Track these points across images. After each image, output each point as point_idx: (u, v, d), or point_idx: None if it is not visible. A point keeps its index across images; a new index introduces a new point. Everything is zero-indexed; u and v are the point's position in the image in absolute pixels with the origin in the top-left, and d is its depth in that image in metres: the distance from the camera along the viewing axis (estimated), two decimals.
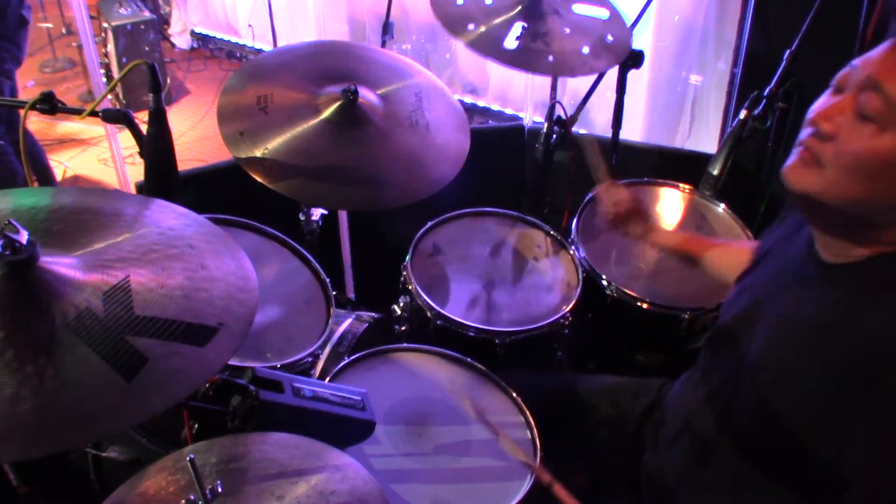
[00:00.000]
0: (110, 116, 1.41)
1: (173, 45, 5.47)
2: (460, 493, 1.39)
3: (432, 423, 1.51)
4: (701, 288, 1.84)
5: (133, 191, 2.91)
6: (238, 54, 5.30)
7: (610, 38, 1.99)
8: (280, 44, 4.18)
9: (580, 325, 1.87)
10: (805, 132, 1.10)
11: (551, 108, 2.32)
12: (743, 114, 2.23)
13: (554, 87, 2.50)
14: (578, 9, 2.06)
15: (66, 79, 4.95)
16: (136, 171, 3.47)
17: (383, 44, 2.86)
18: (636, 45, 2.08)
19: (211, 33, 5.38)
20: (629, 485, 1.53)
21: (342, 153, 1.66)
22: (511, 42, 1.92)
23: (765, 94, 2.22)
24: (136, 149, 1.39)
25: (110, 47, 4.46)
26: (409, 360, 1.65)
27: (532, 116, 3.41)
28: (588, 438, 1.64)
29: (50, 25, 5.09)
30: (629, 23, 2.13)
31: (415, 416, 1.52)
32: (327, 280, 1.83)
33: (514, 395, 1.57)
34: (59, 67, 5.03)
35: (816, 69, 2.10)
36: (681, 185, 2.22)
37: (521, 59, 1.92)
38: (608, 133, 2.35)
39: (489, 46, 1.91)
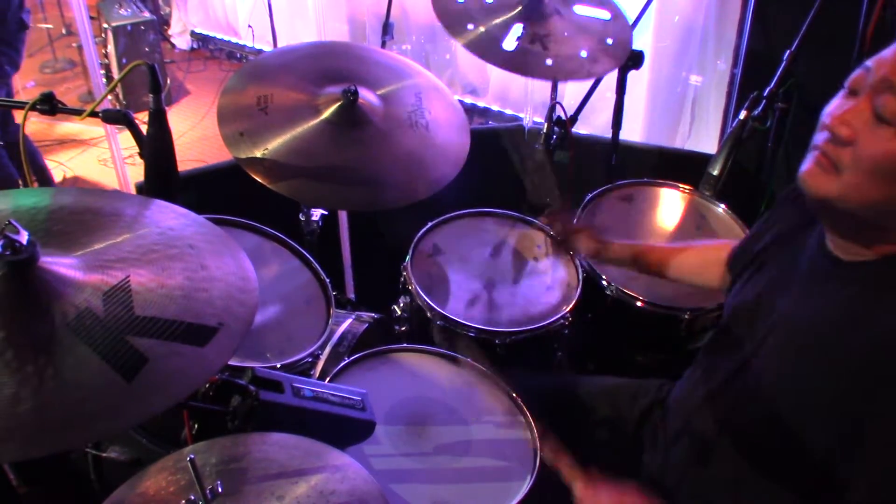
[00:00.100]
0: (110, 117, 1.42)
1: (173, 46, 5.47)
2: (460, 493, 1.39)
3: (432, 423, 1.51)
4: (701, 288, 1.84)
5: (133, 191, 2.91)
6: (238, 55, 5.30)
7: (609, 40, 1.99)
8: (280, 44, 4.19)
9: (580, 326, 1.87)
10: (820, 136, 1.09)
11: (551, 109, 2.32)
12: (743, 114, 2.23)
13: (554, 88, 2.50)
14: (580, 10, 2.05)
15: (66, 79, 4.95)
16: (136, 172, 3.47)
17: (383, 44, 2.86)
18: (636, 45, 2.08)
19: (211, 34, 5.39)
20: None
21: (342, 154, 1.66)
22: (510, 44, 1.91)
23: (765, 94, 2.22)
24: (136, 149, 1.39)
25: (110, 48, 4.47)
26: (409, 360, 1.65)
27: (532, 117, 3.41)
28: (587, 439, 1.63)
29: (50, 26, 5.09)
30: (630, 23, 2.13)
31: (415, 417, 1.52)
32: (327, 280, 1.83)
33: (514, 394, 1.57)
34: (59, 68, 5.04)
35: (816, 69, 2.12)
36: (681, 185, 2.21)
37: (519, 63, 1.92)
38: (608, 133, 2.35)
39: (487, 48, 1.91)
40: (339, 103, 1.67)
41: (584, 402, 1.65)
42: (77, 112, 1.41)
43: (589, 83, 2.32)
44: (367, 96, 1.72)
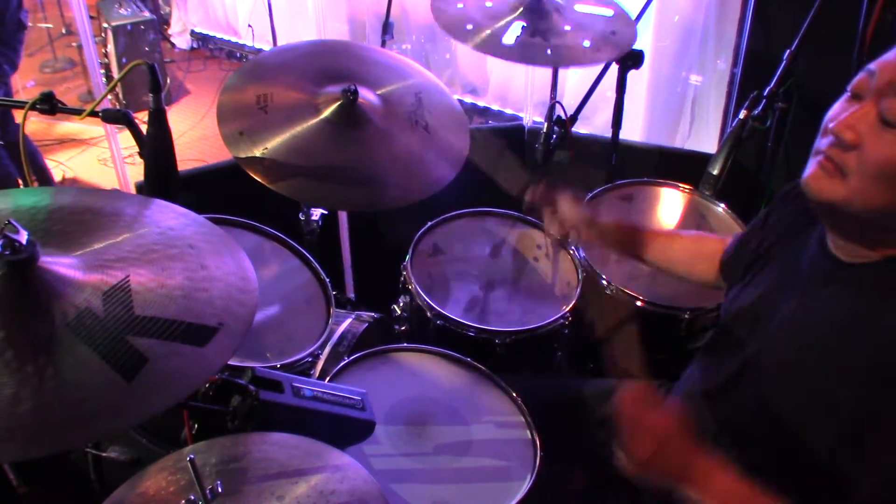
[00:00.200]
0: (110, 116, 1.41)
1: (173, 46, 5.47)
2: (460, 493, 1.39)
3: (432, 423, 1.51)
4: (701, 288, 1.84)
5: (133, 191, 2.91)
6: (238, 54, 5.30)
7: (613, 32, 1.98)
8: (280, 44, 4.18)
9: (580, 325, 1.87)
10: (824, 141, 1.09)
11: (551, 108, 2.32)
12: (743, 114, 2.23)
13: (554, 87, 2.50)
14: (581, 8, 2.05)
15: (66, 79, 4.95)
16: (136, 172, 3.47)
17: (383, 44, 2.86)
18: (636, 45, 2.08)
19: (211, 33, 5.39)
20: (629, 485, 1.52)
21: (342, 153, 1.66)
22: (510, 38, 1.91)
23: (765, 94, 2.21)
24: (136, 149, 1.39)
25: (110, 47, 4.47)
26: (409, 360, 1.65)
27: (532, 116, 3.41)
28: (587, 440, 1.63)
29: (50, 26, 5.09)
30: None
31: (415, 416, 1.52)
32: (327, 280, 1.83)
33: (514, 394, 1.57)
34: (59, 67, 5.04)
35: (816, 69, 2.12)
36: (681, 185, 2.22)
37: (520, 53, 1.91)
38: (608, 133, 2.35)
39: (488, 44, 1.91)
40: (338, 103, 1.67)
41: (584, 403, 1.65)
42: (77, 112, 1.41)
43: (589, 82, 2.32)
44: (366, 96, 1.72)
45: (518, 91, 3.98)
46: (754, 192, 2.57)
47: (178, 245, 1.13)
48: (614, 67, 2.15)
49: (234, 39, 5.29)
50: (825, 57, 2.04)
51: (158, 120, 1.36)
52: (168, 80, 4.86)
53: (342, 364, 1.58)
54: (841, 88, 1.11)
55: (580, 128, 2.46)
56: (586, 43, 1.92)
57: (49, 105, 1.38)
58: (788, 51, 2.18)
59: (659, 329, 1.90)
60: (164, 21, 5.47)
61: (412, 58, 2.56)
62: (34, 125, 4.20)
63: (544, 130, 2.32)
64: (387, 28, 2.85)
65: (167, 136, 1.38)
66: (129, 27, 4.42)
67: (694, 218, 2.15)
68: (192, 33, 5.44)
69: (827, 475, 1.07)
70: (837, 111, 1.09)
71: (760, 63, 2.59)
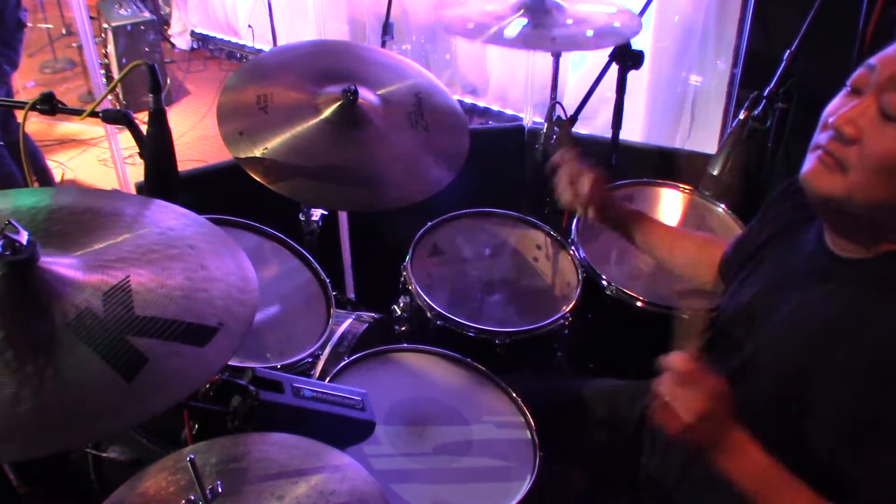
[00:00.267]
0: (110, 117, 1.41)
1: (173, 46, 5.47)
2: (460, 493, 1.39)
3: (432, 423, 1.51)
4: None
5: (133, 191, 2.91)
6: (238, 55, 5.30)
7: (617, 24, 1.98)
8: (280, 44, 4.18)
9: (580, 326, 1.87)
10: (824, 136, 1.08)
11: (551, 109, 2.32)
12: (743, 114, 2.23)
13: (554, 88, 2.50)
14: (583, 7, 2.05)
15: (66, 79, 4.95)
16: (136, 172, 3.47)
17: (383, 44, 2.86)
18: (636, 45, 2.08)
19: (211, 34, 5.39)
20: (628, 485, 1.53)
21: (342, 153, 1.66)
22: (512, 32, 1.91)
23: (765, 94, 2.22)
24: (136, 149, 1.39)
25: (110, 48, 4.47)
26: (409, 360, 1.65)
27: (532, 117, 3.41)
28: (587, 440, 1.64)
29: (50, 26, 5.09)
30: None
31: (415, 417, 1.52)
32: (327, 280, 1.83)
33: (514, 395, 1.57)
34: (59, 68, 5.04)
35: (816, 69, 2.11)
36: (681, 185, 2.22)
37: (523, 41, 1.91)
38: (608, 133, 2.35)
39: (490, 37, 1.90)
40: (338, 103, 1.67)
41: (584, 403, 1.65)
42: (77, 112, 1.41)
43: (589, 83, 2.32)
44: (366, 96, 1.72)
45: (518, 91, 3.98)
46: (754, 193, 2.57)
47: (179, 245, 1.13)
48: (614, 68, 2.16)
49: (234, 40, 5.29)
50: (825, 57, 2.04)
51: (158, 120, 1.36)
52: (168, 81, 4.87)
53: (342, 364, 1.58)
54: (841, 89, 1.11)
55: (580, 128, 2.46)
56: (589, 32, 1.92)
57: (49, 105, 1.38)
58: (788, 51, 2.18)
59: (659, 329, 1.90)
60: (164, 21, 5.48)
61: (412, 58, 2.57)
62: (34, 125, 4.20)
63: (544, 131, 2.33)
64: (387, 28, 2.85)
65: (167, 136, 1.38)
66: (129, 28, 4.42)
67: (694, 218, 2.15)
68: (192, 34, 5.44)
69: (827, 475, 1.07)
70: (837, 106, 1.09)
71: (760, 63, 2.59)
